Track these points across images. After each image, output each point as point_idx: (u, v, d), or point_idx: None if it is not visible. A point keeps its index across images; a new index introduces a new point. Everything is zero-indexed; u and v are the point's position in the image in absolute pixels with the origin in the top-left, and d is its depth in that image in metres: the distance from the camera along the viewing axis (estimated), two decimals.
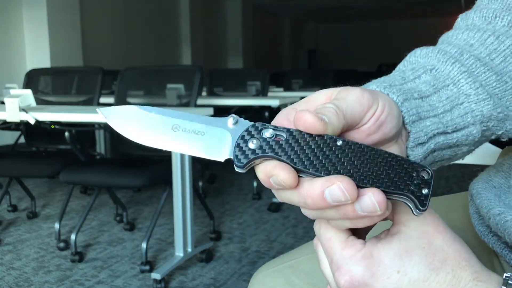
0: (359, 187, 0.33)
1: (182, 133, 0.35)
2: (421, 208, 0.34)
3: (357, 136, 0.36)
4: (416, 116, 0.40)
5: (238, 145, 0.34)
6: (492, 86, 0.43)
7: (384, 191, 0.33)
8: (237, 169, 0.34)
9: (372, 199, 0.32)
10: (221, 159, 0.35)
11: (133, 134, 0.35)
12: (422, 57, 0.46)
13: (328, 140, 0.33)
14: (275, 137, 0.33)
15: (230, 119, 0.35)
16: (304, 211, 0.35)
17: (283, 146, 0.33)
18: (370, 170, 0.33)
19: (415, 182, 0.33)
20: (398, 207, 0.36)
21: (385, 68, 10.82)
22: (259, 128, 0.34)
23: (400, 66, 0.48)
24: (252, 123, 0.34)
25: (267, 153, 0.33)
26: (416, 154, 0.40)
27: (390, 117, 0.37)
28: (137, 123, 0.35)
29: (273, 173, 0.33)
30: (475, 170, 0.55)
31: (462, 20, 0.51)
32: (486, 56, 0.45)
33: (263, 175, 0.34)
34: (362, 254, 0.35)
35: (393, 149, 0.39)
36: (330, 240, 0.37)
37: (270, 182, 0.33)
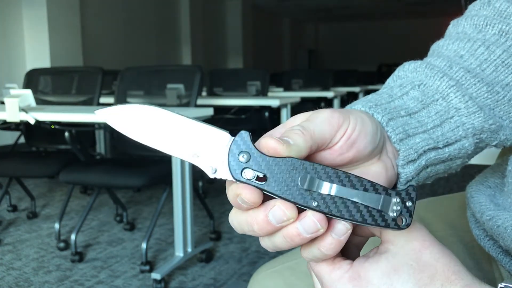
0: (336, 217, 0.33)
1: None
2: (404, 227, 0.34)
3: (329, 156, 0.36)
4: (403, 134, 0.39)
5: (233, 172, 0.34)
6: (483, 97, 0.43)
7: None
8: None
9: (312, 218, 0.33)
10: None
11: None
12: (411, 71, 0.46)
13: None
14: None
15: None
16: (264, 243, 0.37)
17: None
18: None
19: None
20: None
21: (385, 68, 10.83)
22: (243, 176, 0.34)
23: (389, 81, 0.47)
24: (231, 171, 0.34)
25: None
26: (407, 172, 0.40)
27: (363, 134, 0.36)
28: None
29: (238, 192, 0.34)
30: (474, 172, 0.55)
31: (454, 27, 0.51)
32: (476, 67, 0.45)
33: (233, 197, 0.34)
34: (349, 275, 0.35)
35: (376, 166, 0.38)
36: (317, 265, 0.37)
37: (237, 201, 0.34)
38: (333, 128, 0.35)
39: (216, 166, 0.34)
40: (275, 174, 0.33)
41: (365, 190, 0.33)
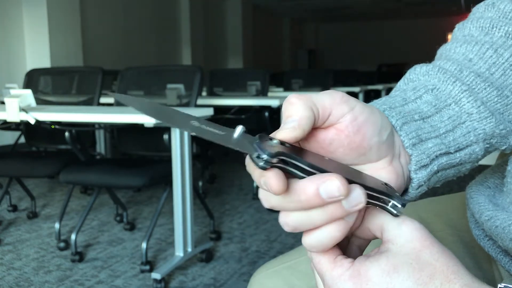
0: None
1: (202, 128, 0.36)
2: (399, 208, 0.36)
3: (336, 137, 0.36)
4: (416, 139, 0.40)
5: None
6: (493, 102, 0.43)
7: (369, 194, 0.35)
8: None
9: (359, 191, 0.34)
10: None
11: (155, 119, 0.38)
12: (423, 75, 0.46)
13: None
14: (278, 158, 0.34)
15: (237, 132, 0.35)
16: (285, 219, 0.35)
17: (286, 163, 0.34)
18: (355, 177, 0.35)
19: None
20: (386, 225, 0.37)
21: (385, 68, 10.83)
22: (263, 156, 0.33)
23: (401, 84, 0.48)
24: (253, 150, 0.34)
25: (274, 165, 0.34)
26: (420, 177, 0.40)
27: (371, 122, 0.37)
28: (157, 115, 0.37)
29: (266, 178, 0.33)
30: (474, 172, 0.55)
31: (459, 30, 0.51)
32: (485, 71, 0.45)
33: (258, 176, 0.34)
34: (350, 273, 0.36)
35: (387, 171, 0.38)
36: (320, 263, 0.37)
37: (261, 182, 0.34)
38: (334, 100, 0.36)
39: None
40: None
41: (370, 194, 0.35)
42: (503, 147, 0.44)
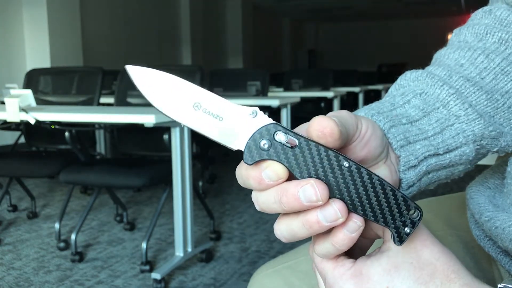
0: (349, 210, 0.34)
1: (202, 113, 0.35)
2: (398, 243, 0.35)
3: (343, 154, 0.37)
4: (404, 141, 0.41)
5: (251, 141, 0.34)
6: (483, 105, 0.44)
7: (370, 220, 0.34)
8: (245, 163, 0.34)
9: (334, 207, 0.33)
10: (233, 148, 0.35)
11: (155, 100, 0.35)
12: (412, 80, 0.47)
13: (334, 159, 0.33)
14: (288, 140, 0.34)
15: (250, 111, 0.34)
16: (279, 232, 0.36)
17: (292, 155, 0.34)
18: (365, 198, 0.34)
19: (402, 219, 0.34)
20: None
21: (385, 68, 10.82)
22: (274, 131, 0.34)
23: (392, 89, 0.49)
24: (269, 122, 0.34)
25: (277, 158, 0.34)
26: (408, 177, 0.41)
27: (374, 136, 0.38)
28: (161, 89, 0.35)
29: (268, 165, 0.34)
30: (474, 173, 0.55)
31: (456, 35, 0.51)
32: (476, 76, 0.45)
33: (258, 172, 0.34)
34: (351, 272, 0.36)
35: (382, 169, 0.40)
36: (321, 262, 0.38)
37: (261, 177, 0.34)
38: (354, 127, 0.37)
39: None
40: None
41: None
42: (495, 149, 0.45)
